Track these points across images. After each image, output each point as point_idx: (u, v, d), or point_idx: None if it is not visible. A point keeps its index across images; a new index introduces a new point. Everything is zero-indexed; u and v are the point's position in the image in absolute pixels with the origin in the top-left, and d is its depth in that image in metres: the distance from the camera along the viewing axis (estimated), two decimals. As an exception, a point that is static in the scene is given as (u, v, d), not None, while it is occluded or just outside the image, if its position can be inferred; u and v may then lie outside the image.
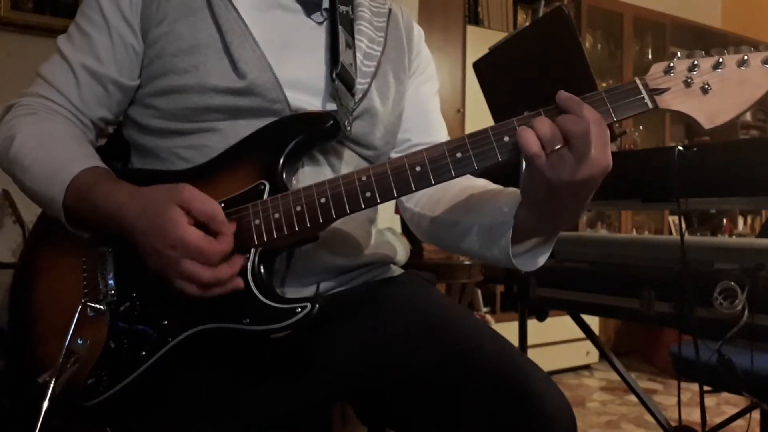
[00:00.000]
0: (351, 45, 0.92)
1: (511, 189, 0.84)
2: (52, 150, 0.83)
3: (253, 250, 0.78)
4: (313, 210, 0.77)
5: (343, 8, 0.93)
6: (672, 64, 0.75)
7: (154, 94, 0.87)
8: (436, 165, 0.75)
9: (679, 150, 1.25)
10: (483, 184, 0.93)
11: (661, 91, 0.75)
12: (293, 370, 0.85)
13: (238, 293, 0.75)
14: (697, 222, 4.25)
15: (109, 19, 0.87)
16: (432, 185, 0.76)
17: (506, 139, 0.74)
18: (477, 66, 1.72)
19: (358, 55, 0.93)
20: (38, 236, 0.91)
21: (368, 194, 0.76)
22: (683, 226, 1.26)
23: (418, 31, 1.07)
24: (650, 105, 0.75)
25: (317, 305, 0.75)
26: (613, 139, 1.49)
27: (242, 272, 0.76)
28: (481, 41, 2.69)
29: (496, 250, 0.82)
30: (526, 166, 0.73)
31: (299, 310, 0.75)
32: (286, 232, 0.77)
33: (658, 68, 0.76)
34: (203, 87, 0.84)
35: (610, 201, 1.60)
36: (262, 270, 0.78)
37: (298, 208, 0.77)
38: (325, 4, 0.94)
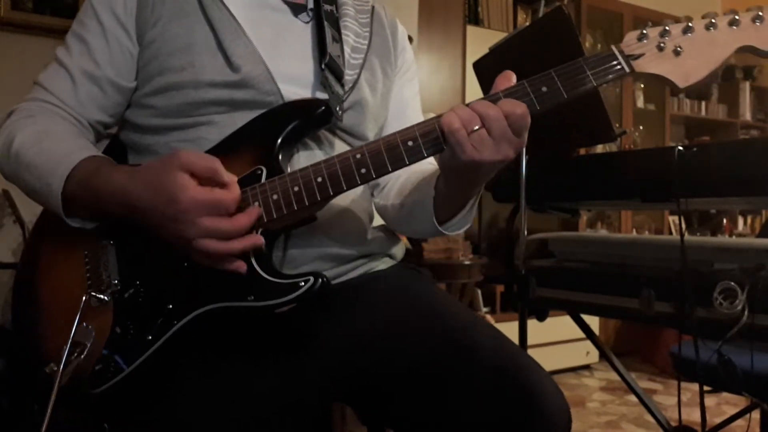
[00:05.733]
0: (338, 39, 0.96)
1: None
2: (51, 146, 0.84)
3: (254, 232, 0.79)
4: (310, 189, 0.79)
5: (327, 7, 0.97)
6: (645, 32, 0.80)
7: (150, 93, 0.89)
8: (428, 138, 0.78)
9: (679, 150, 1.25)
10: (427, 168, 0.97)
11: (636, 57, 0.80)
12: (290, 362, 0.85)
13: (241, 273, 0.77)
14: (697, 222, 4.25)
15: (105, 24, 0.90)
16: (425, 158, 0.79)
17: None
18: (477, 66, 1.72)
19: (346, 49, 0.96)
20: (40, 232, 0.93)
21: (363, 170, 0.79)
22: (683, 226, 1.25)
23: (401, 30, 1.11)
24: (627, 69, 0.79)
25: (320, 279, 0.78)
26: (613, 139, 1.49)
27: (245, 252, 0.78)
28: (481, 41, 2.70)
29: (428, 221, 0.89)
30: (450, 144, 0.77)
31: (302, 283, 0.77)
32: (285, 212, 0.79)
33: (631, 36, 0.81)
34: (199, 82, 0.86)
35: (610, 201, 1.60)
36: (263, 249, 0.79)
37: (296, 188, 0.79)
38: (310, 4, 0.98)
